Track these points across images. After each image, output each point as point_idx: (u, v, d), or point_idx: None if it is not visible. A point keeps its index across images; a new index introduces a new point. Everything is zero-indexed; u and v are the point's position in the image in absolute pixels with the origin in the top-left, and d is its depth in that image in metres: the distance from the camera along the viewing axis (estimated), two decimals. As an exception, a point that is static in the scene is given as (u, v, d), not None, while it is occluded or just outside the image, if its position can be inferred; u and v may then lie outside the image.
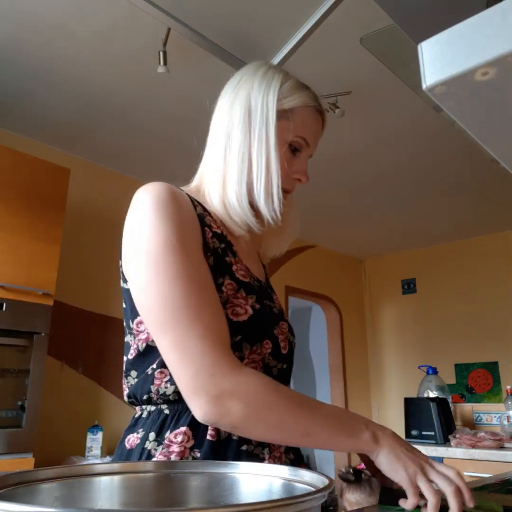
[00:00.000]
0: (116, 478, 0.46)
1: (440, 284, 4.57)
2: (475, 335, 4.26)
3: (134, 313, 0.76)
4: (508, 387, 3.36)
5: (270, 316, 0.80)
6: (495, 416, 3.93)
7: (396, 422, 4.16)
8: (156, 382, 0.73)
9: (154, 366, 0.73)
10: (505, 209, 3.84)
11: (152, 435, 0.72)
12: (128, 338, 0.79)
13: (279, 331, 0.81)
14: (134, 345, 0.77)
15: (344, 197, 3.70)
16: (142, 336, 0.75)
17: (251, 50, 2.11)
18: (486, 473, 2.36)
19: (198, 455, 0.69)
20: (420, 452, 0.69)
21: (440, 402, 3.14)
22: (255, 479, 0.46)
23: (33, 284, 2.23)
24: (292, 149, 0.84)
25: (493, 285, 4.25)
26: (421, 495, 0.63)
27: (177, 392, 0.70)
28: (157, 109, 2.58)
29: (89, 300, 2.93)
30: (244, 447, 0.72)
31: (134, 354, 0.76)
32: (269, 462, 0.73)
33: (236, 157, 0.81)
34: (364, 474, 0.70)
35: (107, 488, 0.46)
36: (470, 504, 0.61)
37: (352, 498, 0.69)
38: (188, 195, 0.79)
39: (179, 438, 0.70)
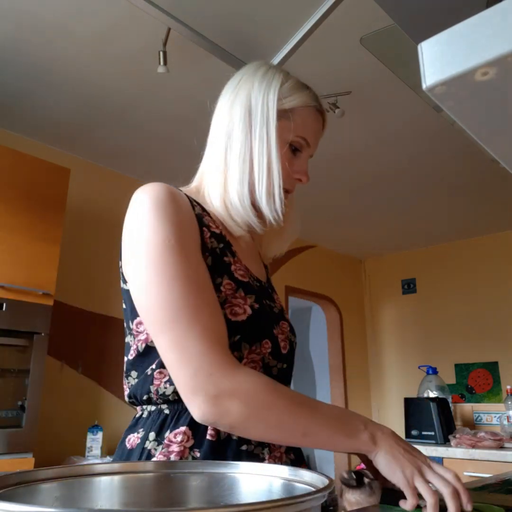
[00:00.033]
0: (116, 478, 0.46)
1: (440, 284, 4.57)
2: (475, 335, 4.26)
3: (134, 314, 0.76)
4: (508, 387, 3.36)
5: (269, 316, 0.80)
6: (495, 416, 3.93)
7: (396, 422, 4.16)
8: (156, 382, 0.73)
9: (153, 366, 0.73)
10: (505, 209, 3.84)
11: (152, 435, 0.72)
12: (128, 339, 0.79)
13: (279, 331, 0.81)
14: (134, 345, 0.77)
15: (344, 197, 3.70)
16: (142, 337, 0.75)
17: (251, 50, 2.11)
18: (486, 473, 2.36)
19: (198, 455, 0.69)
20: (419, 452, 0.68)
21: (440, 402, 3.14)
22: (255, 479, 0.46)
23: (33, 284, 2.23)
24: (292, 149, 0.84)
25: (493, 285, 4.25)
26: (420, 496, 0.63)
27: (176, 392, 0.70)
28: (157, 109, 2.58)
29: (89, 300, 2.93)
30: (244, 447, 0.72)
31: (134, 355, 0.77)
32: (269, 462, 0.73)
33: (237, 157, 0.81)
34: (366, 478, 0.70)
35: (107, 488, 0.46)
36: (467, 507, 0.61)
37: (352, 498, 0.69)
38: (187, 196, 0.79)
39: (179, 438, 0.70)
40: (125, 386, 0.79)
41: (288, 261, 4.30)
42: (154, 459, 0.70)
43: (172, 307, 0.67)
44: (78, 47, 2.13)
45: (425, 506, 0.61)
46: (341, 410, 0.73)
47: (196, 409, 0.64)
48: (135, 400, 0.77)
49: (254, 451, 0.73)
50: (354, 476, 0.72)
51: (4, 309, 2.12)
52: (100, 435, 2.61)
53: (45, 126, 2.74)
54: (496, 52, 0.35)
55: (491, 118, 0.45)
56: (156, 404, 0.74)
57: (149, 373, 0.74)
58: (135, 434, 0.75)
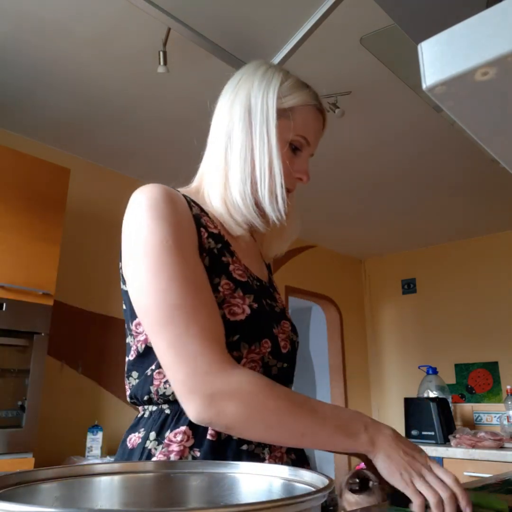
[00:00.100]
0: (116, 478, 0.46)
1: (440, 284, 4.57)
2: (475, 335, 4.26)
3: (134, 315, 0.76)
4: (508, 387, 3.36)
5: (269, 315, 0.80)
6: (495, 416, 3.93)
7: (396, 422, 4.16)
8: (155, 383, 0.73)
9: (153, 367, 0.73)
10: (505, 209, 3.84)
11: (152, 435, 0.72)
12: (128, 340, 0.79)
13: (280, 330, 0.81)
14: (134, 346, 0.77)
15: (344, 197, 3.70)
16: (141, 338, 0.75)
17: (251, 50, 2.11)
18: (486, 473, 2.36)
19: (198, 454, 0.69)
20: (420, 452, 0.68)
21: (440, 402, 3.14)
22: (255, 479, 0.46)
23: (33, 284, 2.23)
24: (292, 148, 0.84)
25: (493, 285, 4.25)
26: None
27: (176, 392, 0.70)
28: (157, 109, 2.58)
29: (89, 300, 2.93)
30: (244, 447, 0.72)
31: (134, 356, 0.77)
32: (270, 462, 0.73)
33: (237, 157, 0.81)
34: (371, 482, 0.70)
35: (107, 488, 0.46)
36: (466, 511, 0.61)
37: (352, 498, 0.69)
38: (185, 196, 0.79)
39: (179, 438, 0.70)
40: (126, 387, 0.79)
41: (288, 261, 4.30)
42: (154, 458, 0.70)
43: (169, 307, 0.66)
44: (78, 47, 2.13)
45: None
46: (342, 410, 0.72)
47: (192, 410, 0.64)
48: (137, 400, 0.77)
49: (255, 451, 0.72)
50: (358, 480, 0.71)
51: (4, 309, 2.12)
52: (100, 435, 2.61)
53: (45, 126, 2.74)
54: (496, 52, 0.35)
55: (491, 118, 0.45)
56: (157, 404, 0.75)
57: (149, 374, 0.74)
58: (136, 434, 0.75)
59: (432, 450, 2.84)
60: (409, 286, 4.81)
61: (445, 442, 2.97)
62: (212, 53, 2.08)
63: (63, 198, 2.45)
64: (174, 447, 0.69)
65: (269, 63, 0.88)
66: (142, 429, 0.74)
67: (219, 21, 1.97)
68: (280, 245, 0.96)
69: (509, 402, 3.23)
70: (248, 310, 0.75)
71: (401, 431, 3.10)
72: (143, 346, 0.75)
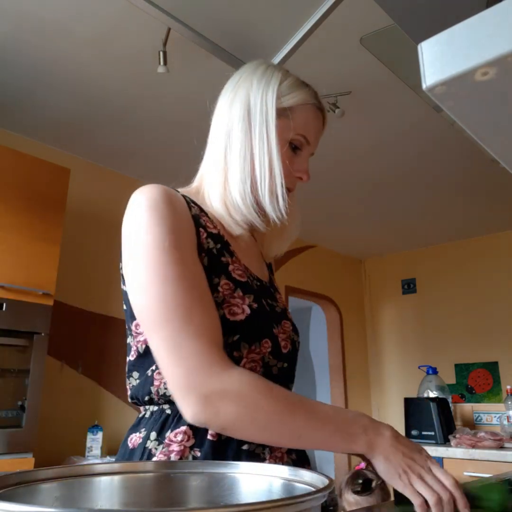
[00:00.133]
0: (116, 478, 0.46)
1: (440, 284, 4.57)
2: (475, 335, 4.26)
3: (134, 315, 0.76)
4: (508, 387, 3.36)
5: (269, 315, 0.80)
6: (495, 416, 3.93)
7: (396, 422, 4.14)
8: (156, 383, 0.73)
9: (153, 367, 0.73)
10: (505, 209, 3.84)
11: (153, 435, 0.72)
12: (129, 340, 0.79)
13: (280, 330, 0.81)
14: (134, 346, 0.77)
15: (344, 197, 3.70)
16: (141, 338, 0.75)
17: (251, 50, 2.11)
18: (486, 473, 2.36)
19: (199, 454, 0.69)
20: (420, 452, 0.67)
21: (440, 402, 3.14)
22: (255, 479, 0.46)
23: (33, 284, 2.23)
24: (292, 147, 0.84)
25: (493, 284, 4.25)
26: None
27: (177, 392, 0.70)
28: (157, 109, 2.58)
29: (89, 300, 2.93)
30: (244, 447, 0.72)
31: (134, 356, 0.77)
32: (270, 462, 0.73)
33: (237, 157, 0.81)
34: (374, 483, 0.70)
35: (107, 488, 0.46)
36: None
37: (351, 498, 0.69)
38: (184, 196, 0.79)
39: (179, 437, 0.70)
40: (127, 387, 0.79)
41: (288, 261, 4.30)
42: (154, 458, 0.70)
43: (166, 307, 0.66)
44: (78, 47, 2.13)
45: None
46: (342, 411, 0.71)
47: (188, 409, 0.63)
48: (137, 401, 0.77)
49: (255, 451, 0.72)
50: (361, 482, 0.71)
51: (4, 309, 2.12)
52: (100, 435, 2.61)
53: (45, 126, 2.74)
54: (496, 52, 0.35)
55: (491, 118, 0.45)
56: (157, 404, 0.75)
57: (149, 374, 0.74)
58: (137, 434, 0.75)
59: (432, 450, 2.84)
60: (409, 286, 4.81)
61: (445, 442, 2.97)
62: (212, 53, 2.08)
63: (63, 198, 2.45)
64: (175, 447, 0.69)
65: (269, 63, 0.88)
66: (143, 429, 0.74)
67: (219, 21, 1.97)
68: (281, 244, 0.95)
69: (509, 402, 3.23)
70: (248, 310, 0.74)
71: (401, 431, 3.10)
72: (144, 346, 0.75)
